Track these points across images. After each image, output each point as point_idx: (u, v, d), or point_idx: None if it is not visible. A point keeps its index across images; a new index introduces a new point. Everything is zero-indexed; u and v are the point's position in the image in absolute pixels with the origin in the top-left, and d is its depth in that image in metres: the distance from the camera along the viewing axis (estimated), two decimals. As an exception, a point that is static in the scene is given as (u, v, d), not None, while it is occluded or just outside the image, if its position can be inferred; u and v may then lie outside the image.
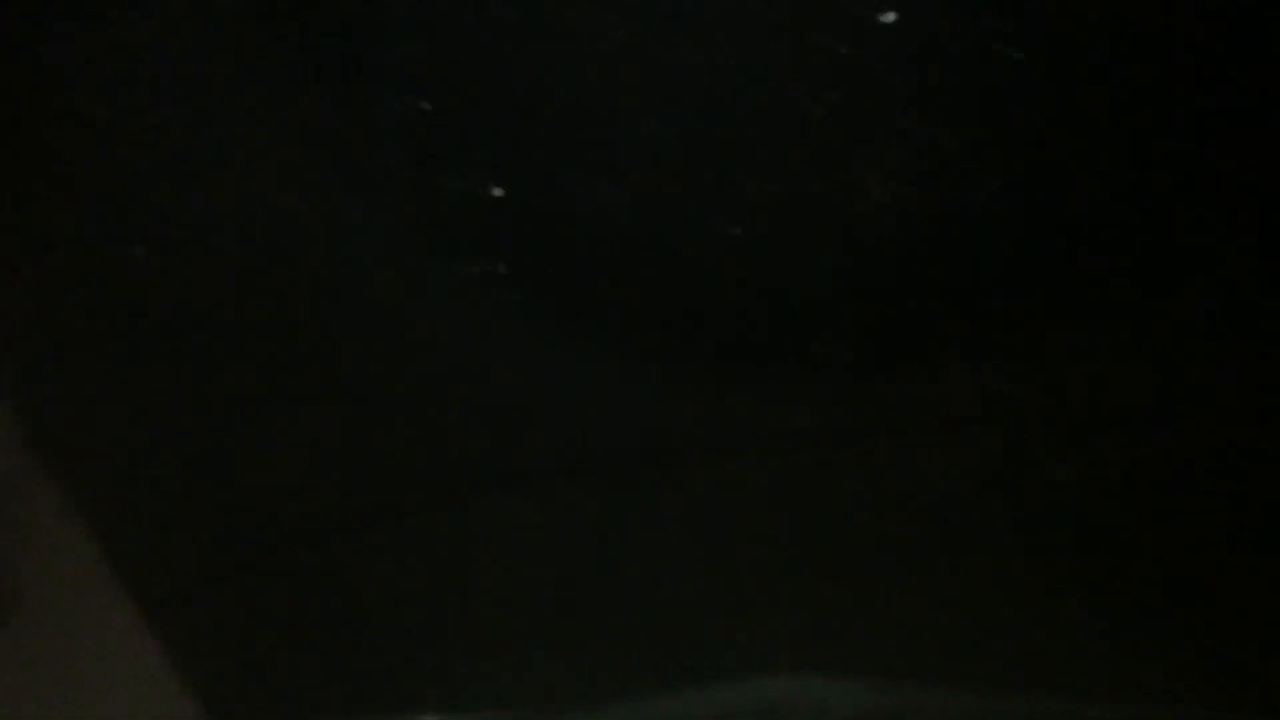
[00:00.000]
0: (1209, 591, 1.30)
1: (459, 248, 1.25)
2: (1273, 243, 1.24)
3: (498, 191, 1.22)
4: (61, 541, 1.31)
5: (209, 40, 1.22)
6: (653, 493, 1.30)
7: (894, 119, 1.21)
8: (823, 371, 1.27)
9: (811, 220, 1.23)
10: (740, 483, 1.30)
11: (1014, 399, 1.28)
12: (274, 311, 1.27)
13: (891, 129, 1.21)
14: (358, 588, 1.31)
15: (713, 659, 1.31)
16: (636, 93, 1.20)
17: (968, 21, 1.19)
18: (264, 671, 1.32)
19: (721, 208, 1.22)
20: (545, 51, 1.20)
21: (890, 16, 1.19)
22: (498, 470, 1.30)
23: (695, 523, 1.31)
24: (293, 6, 1.22)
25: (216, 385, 1.29)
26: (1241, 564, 1.30)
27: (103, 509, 1.32)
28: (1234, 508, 1.29)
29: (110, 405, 1.30)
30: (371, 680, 1.32)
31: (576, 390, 1.28)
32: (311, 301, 1.27)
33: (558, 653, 1.31)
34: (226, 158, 1.25)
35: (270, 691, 1.32)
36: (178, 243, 1.26)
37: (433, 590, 1.32)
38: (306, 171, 1.24)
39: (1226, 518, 1.29)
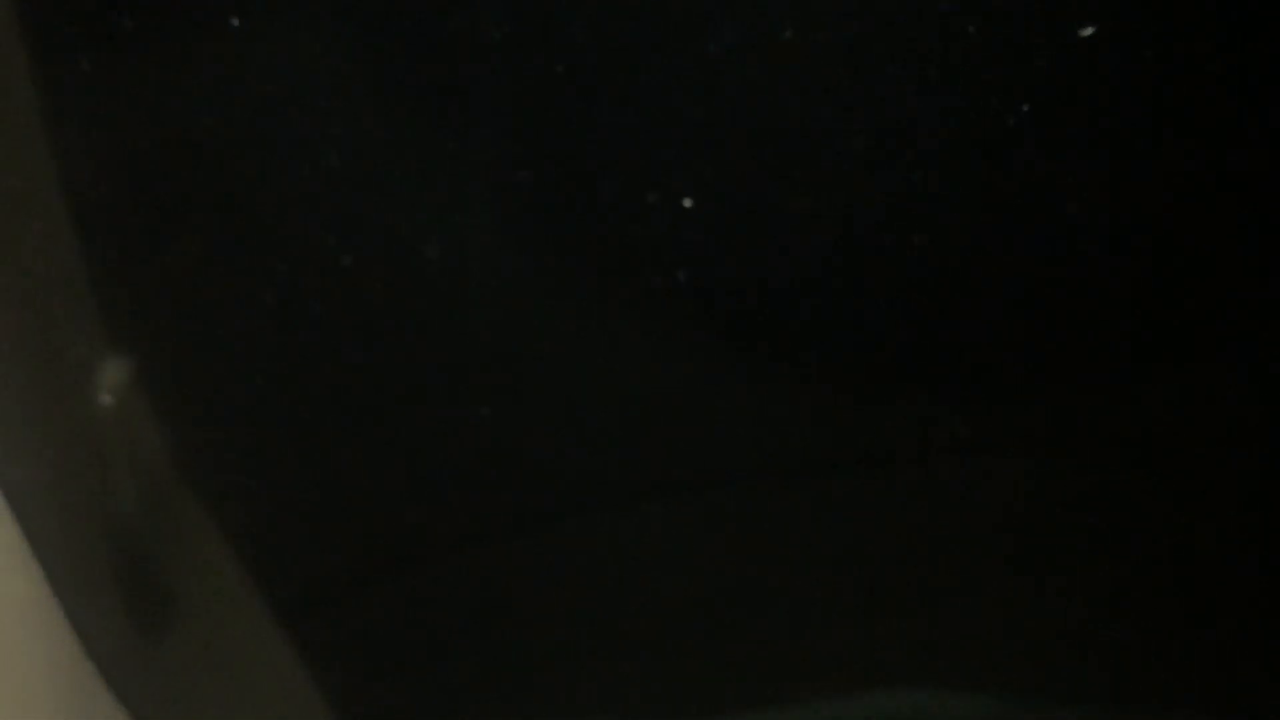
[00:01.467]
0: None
1: (610, 259, 1.25)
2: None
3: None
4: (210, 548, 1.36)
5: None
6: (767, 510, 1.31)
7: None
8: (972, 383, 1.26)
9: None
10: (848, 500, 1.30)
11: (1131, 416, 1.26)
12: (418, 314, 1.29)
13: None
14: (499, 596, 1.34)
15: (832, 673, 1.31)
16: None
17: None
18: (406, 678, 1.36)
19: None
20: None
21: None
22: (605, 488, 1.31)
23: (806, 540, 1.31)
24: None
25: (364, 387, 1.32)
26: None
27: (253, 514, 1.36)
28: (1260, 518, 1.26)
29: (257, 409, 1.34)
30: (509, 689, 1.35)
31: (718, 400, 1.28)
32: (458, 307, 1.28)
33: (663, 673, 1.32)
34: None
35: (411, 699, 1.36)
36: (325, 247, 1.28)
37: (569, 601, 1.34)
38: (451, 181, 1.26)
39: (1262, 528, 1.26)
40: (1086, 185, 1.21)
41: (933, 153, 1.19)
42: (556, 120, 1.21)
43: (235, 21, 1.24)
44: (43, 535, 1.48)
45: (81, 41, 1.28)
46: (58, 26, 1.30)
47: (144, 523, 1.40)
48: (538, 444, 1.31)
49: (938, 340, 1.25)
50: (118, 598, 1.44)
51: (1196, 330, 1.24)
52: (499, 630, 1.34)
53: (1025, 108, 1.18)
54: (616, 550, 1.33)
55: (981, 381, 1.26)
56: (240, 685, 1.39)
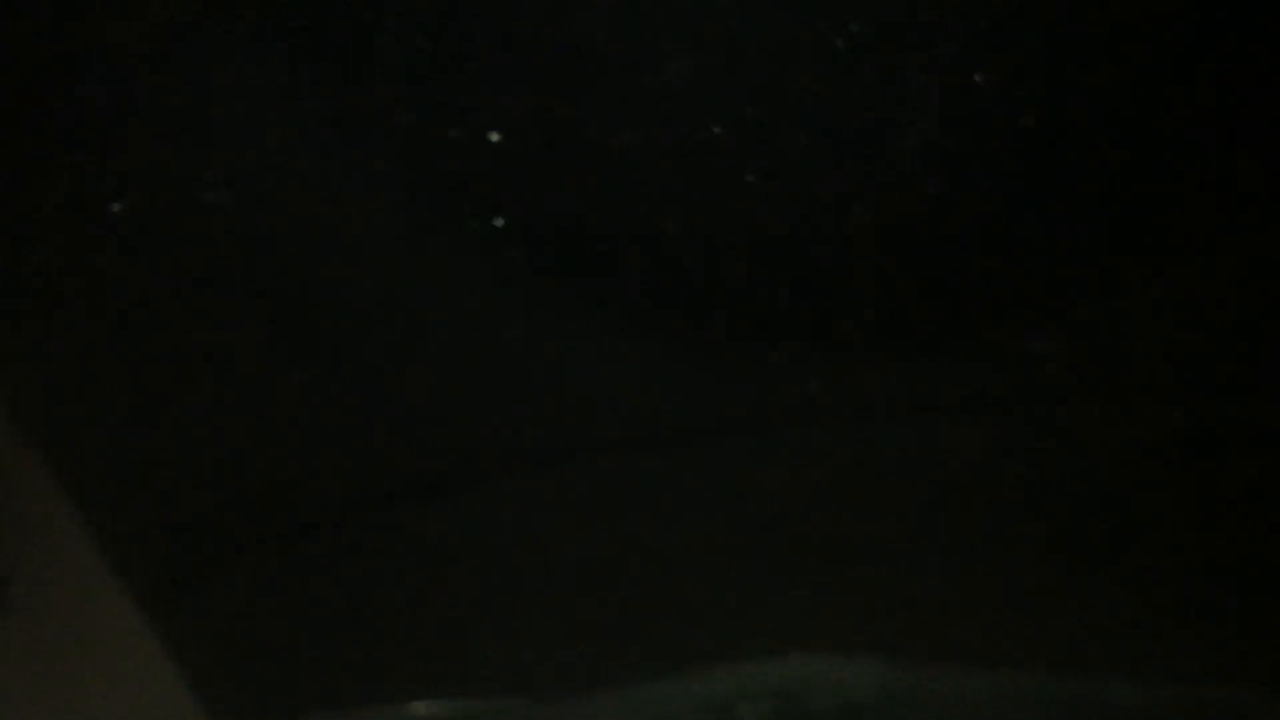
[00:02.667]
0: (1229, 568, 1.28)
1: (460, 230, 1.21)
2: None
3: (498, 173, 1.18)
4: (55, 532, 1.28)
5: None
6: (664, 474, 1.27)
7: (918, 80, 1.17)
8: (836, 348, 1.24)
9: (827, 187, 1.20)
10: (753, 463, 1.27)
11: (1030, 376, 1.26)
12: (266, 299, 1.23)
13: (913, 95, 1.17)
14: (354, 577, 1.28)
15: (725, 641, 1.28)
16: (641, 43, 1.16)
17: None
18: (260, 662, 1.30)
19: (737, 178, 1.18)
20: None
21: None
22: (499, 455, 1.26)
23: (709, 504, 1.28)
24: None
25: (210, 374, 1.25)
26: (1260, 540, 1.28)
27: (97, 500, 1.28)
28: (1247, 486, 1.28)
29: (104, 396, 1.26)
30: (371, 669, 1.29)
31: (581, 372, 1.24)
32: (305, 288, 1.22)
33: (570, 637, 1.29)
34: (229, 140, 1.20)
35: (266, 682, 1.30)
36: (173, 233, 1.21)
37: (438, 578, 1.29)
38: (298, 154, 1.20)
39: (1241, 496, 1.28)
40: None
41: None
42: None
43: None
44: None
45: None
46: None
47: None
48: (390, 425, 1.26)
49: (793, 300, 1.23)
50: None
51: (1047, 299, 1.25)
52: (386, 605, 1.29)
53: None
54: (496, 524, 1.28)
55: (855, 344, 1.25)
56: (73, 673, 1.31)
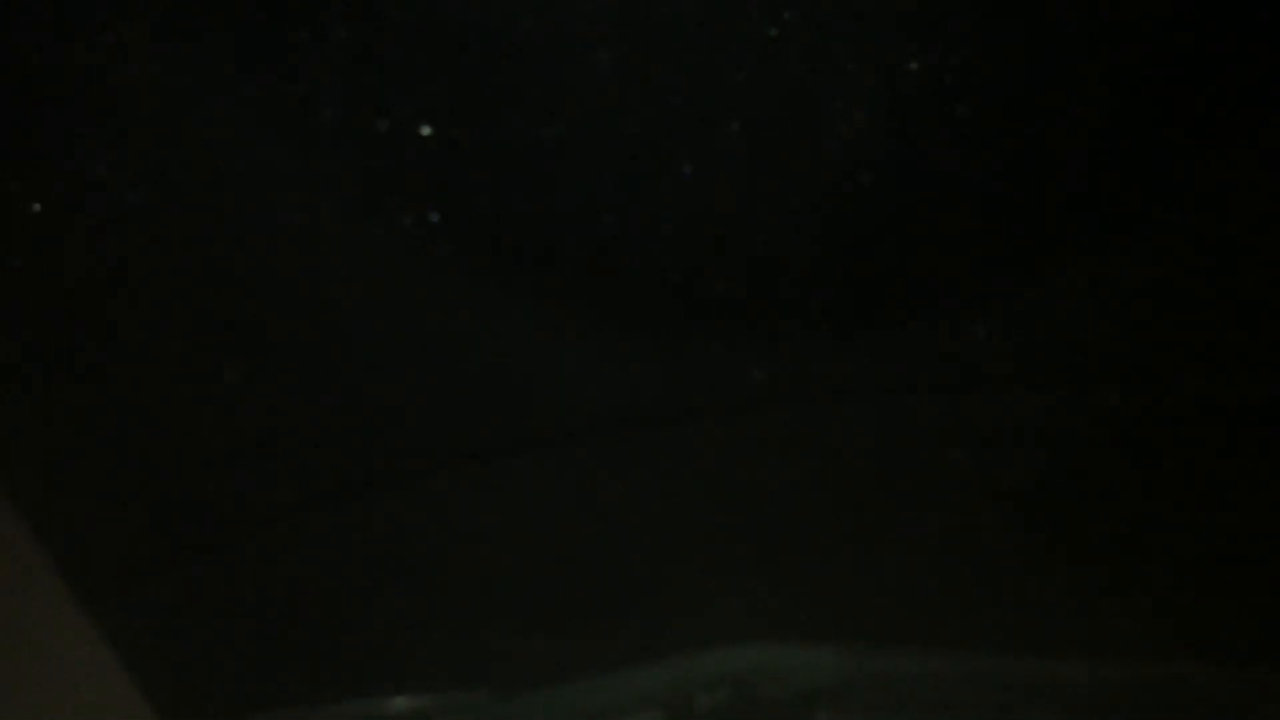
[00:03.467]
0: (1184, 547, 1.31)
1: (417, 219, 1.27)
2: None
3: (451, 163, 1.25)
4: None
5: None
6: (613, 465, 1.30)
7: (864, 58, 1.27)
8: (781, 336, 1.30)
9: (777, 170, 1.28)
10: (702, 451, 1.31)
11: (977, 359, 1.31)
12: (205, 298, 1.27)
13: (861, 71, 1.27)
14: (307, 574, 1.29)
15: (680, 630, 1.28)
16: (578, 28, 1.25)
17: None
18: (213, 661, 1.28)
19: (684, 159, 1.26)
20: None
21: None
22: (450, 449, 1.29)
23: (659, 494, 1.31)
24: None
25: (154, 373, 1.28)
26: (1214, 518, 1.31)
27: (38, 500, 1.29)
28: (1198, 465, 1.32)
29: (44, 396, 1.28)
30: (326, 665, 1.28)
31: (526, 365, 1.29)
32: (243, 285, 1.27)
33: (525, 631, 1.28)
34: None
35: (219, 681, 1.28)
36: (99, 232, 1.26)
37: (395, 570, 1.29)
38: (268, 159, 1.27)
39: (1192, 474, 1.32)
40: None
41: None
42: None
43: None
44: None
45: None
46: None
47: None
48: (352, 416, 1.29)
49: (736, 289, 1.29)
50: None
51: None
52: (340, 601, 1.28)
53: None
54: (448, 517, 1.30)
55: (800, 331, 1.30)
56: (25, 673, 1.28)
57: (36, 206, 1.25)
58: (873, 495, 1.31)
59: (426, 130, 1.24)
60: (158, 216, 1.25)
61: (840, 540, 1.31)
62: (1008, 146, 1.29)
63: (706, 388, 1.30)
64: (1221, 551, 1.30)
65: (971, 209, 1.29)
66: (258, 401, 1.28)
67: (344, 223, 1.26)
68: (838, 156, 1.28)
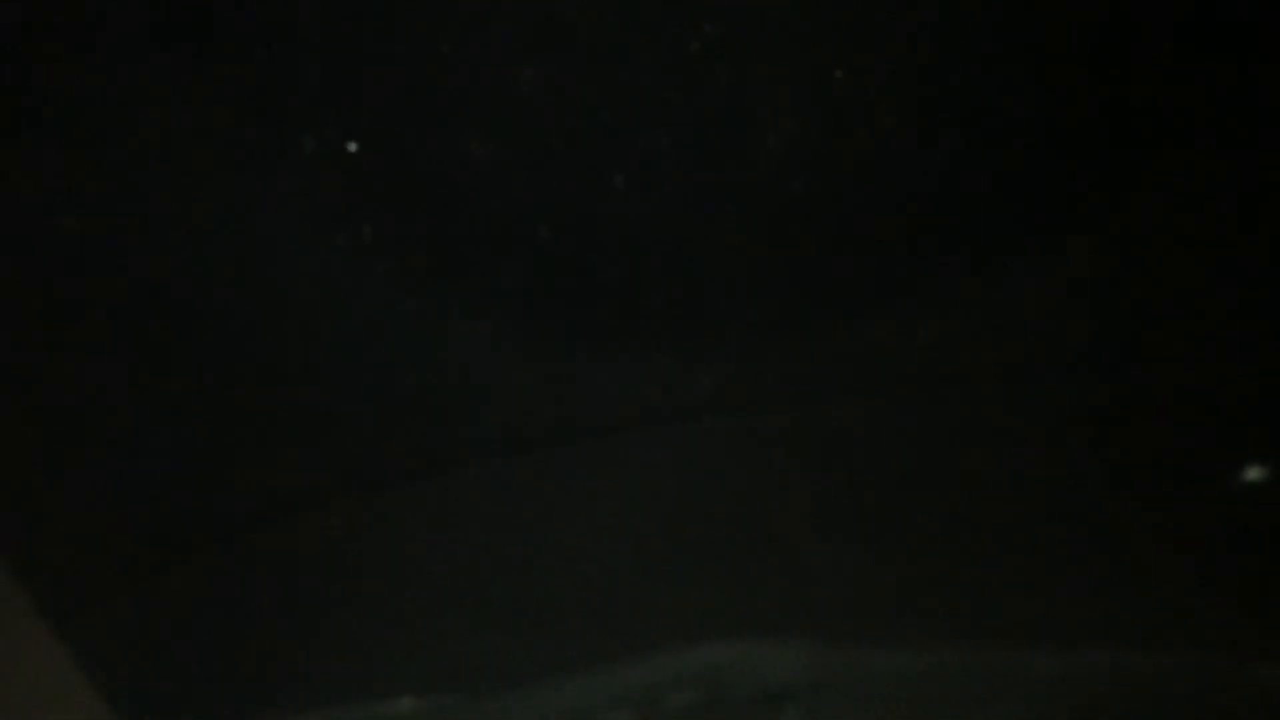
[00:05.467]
0: (1130, 540, 1.31)
1: (325, 242, 1.25)
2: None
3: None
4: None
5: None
6: (578, 467, 1.29)
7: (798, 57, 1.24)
8: (719, 342, 1.28)
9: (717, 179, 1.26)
10: (665, 452, 1.30)
11: (917, 360, 1.30)
12: (184, 296, 1.26)
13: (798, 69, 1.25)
14: (272, 583, 1.29)
15: (649, 630, 1.29)
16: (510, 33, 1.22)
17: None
18: (177, 672, 1.28)
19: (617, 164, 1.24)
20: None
21: None
22: (421, 454, 1.28)
23: (621, 497, 1.30)
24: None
25: (127, 376, 1.27)
26: (1158, 511, 1.31)
27: (13, 509, 1.28)
28: (1138, 459, 1.32)
29: (15, 402, 1.27)
30: (291, 674, 1.28)
31: (497, 371, 1.28)
32: (172, 301, 1.25)
33: (492, 631, 1.29)
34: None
35: (184, 692, 1.28)
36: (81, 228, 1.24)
37: (364, 575, 1.29)
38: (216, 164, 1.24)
39: (1132, 468, 1.31)
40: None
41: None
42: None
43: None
44: None
45: None
46: None
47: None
48: (308, 426, 1.28)
49: (671, 297, 1.27)
50: None
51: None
52: (305, 608, 1.28)
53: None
54: (408, 525, 1.30)
55: (739, 338, 1.29)
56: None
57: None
58: (833, 494, 1.31)
59: (352, 147, 1.22)
60: (112, 221, 1.23)
61: (802, 539, 1.30)
62: (957, 146, 1.27)
63: (658, 394, 1.29)
64: (1190, 542, 1.30)
65: (904, 212, 1.28)
66: (224, 409, 1.26)
67: (267, 241, 1.24)
68: (782, 156, 1.26)
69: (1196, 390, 1.30)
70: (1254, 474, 1.30)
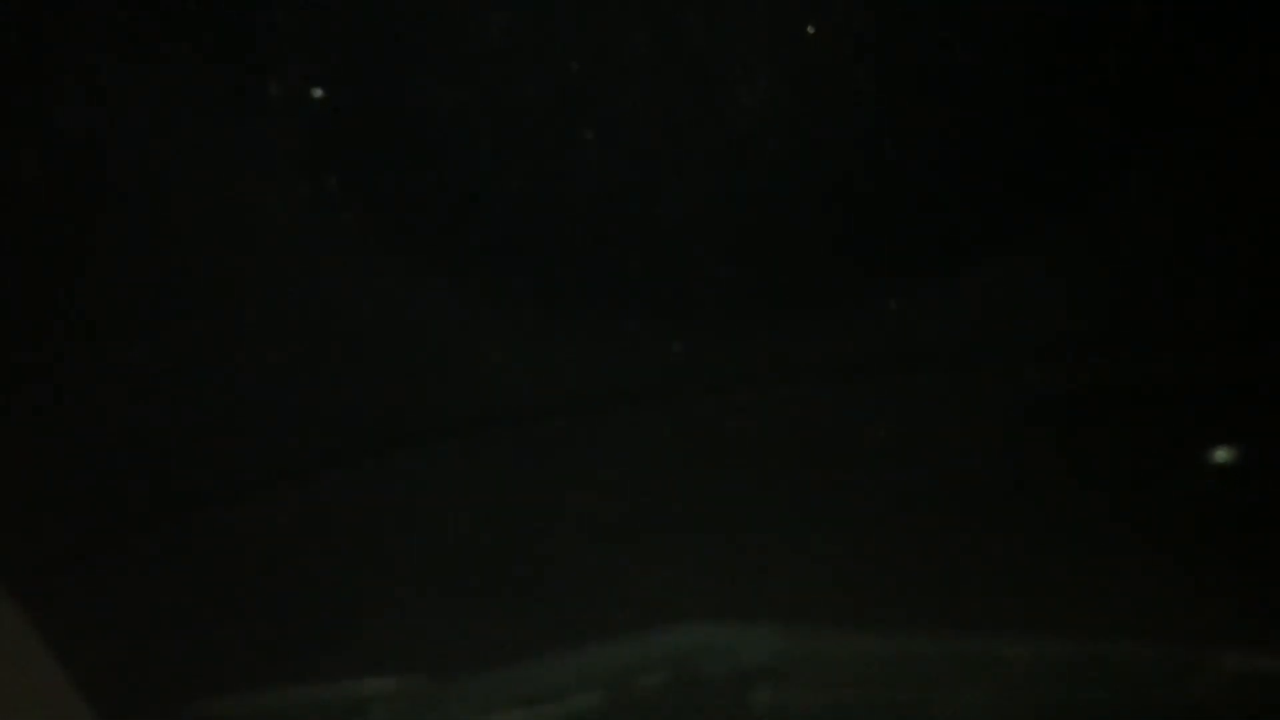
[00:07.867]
0: (1109, 524, 1.31)
1: (290, 193, 1.25)
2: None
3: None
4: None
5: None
6: (555, 446, 1.30)
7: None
8: (699, 316, 1.29)
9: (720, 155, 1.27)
10: (642, 433, 1.30)
11: (893, 338, 1.31)
12: (104, 280, 1.25)
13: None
14: (239, 560, 1.28)
15: (619, 612, 1.28)
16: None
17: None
18: (140, 649, 1.27)
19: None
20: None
21: None
22: (396, 429, 1.28)
23: (594, 478, 1.30)
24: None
25: (74, 353, 1.27)
26: (1139, 496, 1.32)
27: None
28: (1118, 442, 1.32)
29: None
30: (261, 654, 1.27)
31: (476, 342, 1.28)
32: (136, 265, 1.25)
33: (462, 613, 1.28)
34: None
35: (145, 670, 1.27)
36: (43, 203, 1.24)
37: (331, 555, 1.29)
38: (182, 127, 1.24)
39: (1112, 451, 1.32)
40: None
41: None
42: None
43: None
44: None
45: None
46: None
47: None
48: (283, 397, 1.28)
49: (651, 270, 1.28)
50: None
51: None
52: (275, 587, 1.28)
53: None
54: (379, 503, 1.29)
55: (718, 312, 1.29)
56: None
57: None
58: (805, 476, 1.31)
59: (318, 93, 1.22)
60: (56, 193, 1.23)
61: (776, 521, 1.31)
62: (930, 132, 1.29)
63: (635, 372, 1.30)
64: (1159, 530, 1.30)
65: (889, 187, 1.29)
66: (188, 377, 1.26)
67: (234, 195, 1.24)
68: (756, 138, 1.27)
69: (1166, 378, 1.31)
70: (1223, 461, 1.31)
